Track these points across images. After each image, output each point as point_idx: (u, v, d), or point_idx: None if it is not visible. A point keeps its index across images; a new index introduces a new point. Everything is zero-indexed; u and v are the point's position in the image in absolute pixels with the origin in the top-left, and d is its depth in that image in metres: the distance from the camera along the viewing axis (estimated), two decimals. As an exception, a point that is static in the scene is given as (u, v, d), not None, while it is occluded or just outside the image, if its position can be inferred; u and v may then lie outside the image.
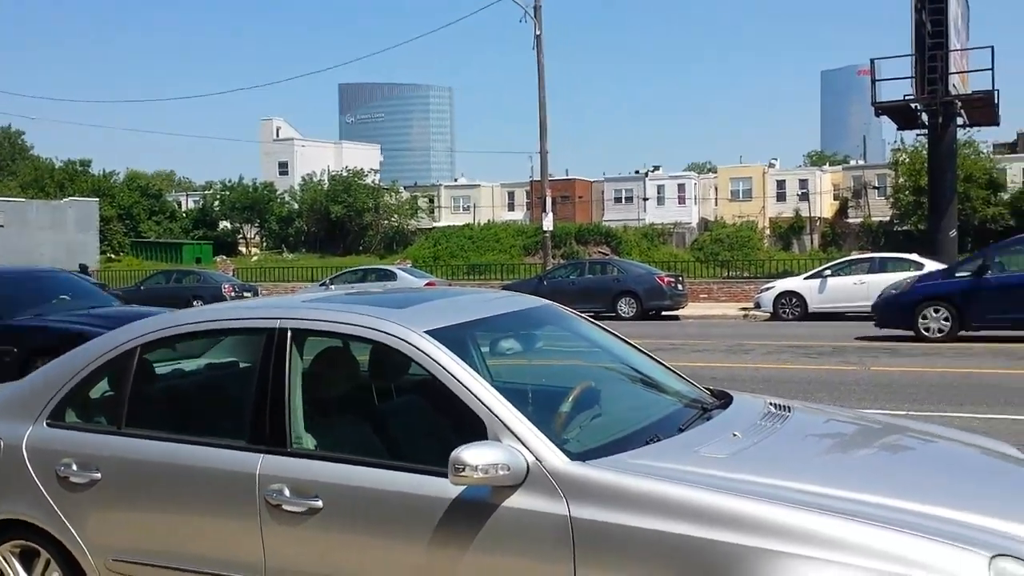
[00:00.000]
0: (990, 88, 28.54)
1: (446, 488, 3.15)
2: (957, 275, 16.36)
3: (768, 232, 66.89)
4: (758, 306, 24.34)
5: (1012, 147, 69.31)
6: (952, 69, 27.80)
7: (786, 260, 43.39)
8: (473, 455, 3.03)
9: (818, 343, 16.01)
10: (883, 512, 2.82)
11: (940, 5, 27.20)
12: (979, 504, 2.98)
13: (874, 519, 2.77)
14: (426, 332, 3.53)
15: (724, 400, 4.13)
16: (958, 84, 28.54)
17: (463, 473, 3.02)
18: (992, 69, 28.31)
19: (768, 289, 24.18)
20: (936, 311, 15.93)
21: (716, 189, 73.91)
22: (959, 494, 3.10)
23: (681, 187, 73.65)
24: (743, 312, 25.24)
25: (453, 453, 3.04)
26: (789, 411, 3.99)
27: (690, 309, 25.76)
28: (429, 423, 3.76)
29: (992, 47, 28.61)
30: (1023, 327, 15.56)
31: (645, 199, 73.19)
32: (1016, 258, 16.41)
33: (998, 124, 32.77)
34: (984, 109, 29.79)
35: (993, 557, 2.63)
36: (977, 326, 15.88)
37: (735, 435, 3.49)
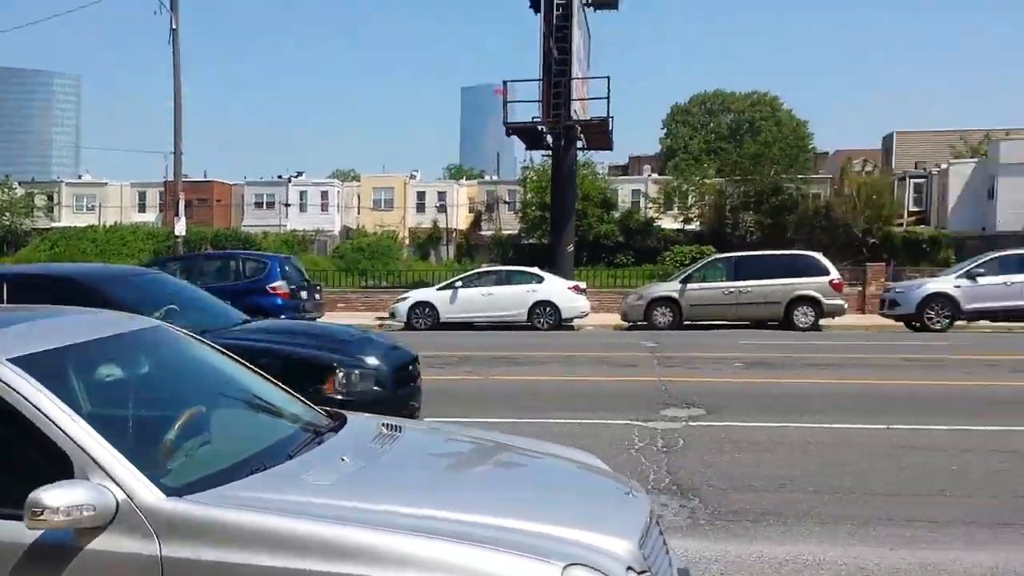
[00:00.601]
0: (606, 115, 31.28)
1: (23, 533, 2.89)
2: None
3: (408, 242, 68.66)
4: (393, 316, 24.89)
5: (624, 170, 76.64)
6: (574, 96, 30.10)
7: (423, 270, 44.65)
8: (52, 496, 2.81)
9: (446, 353, 16.66)
10: (474, 530, 2.96)
11: (565, 34, 29.32)
12: (564, 516, 3.22)
13: (463, 537, 2.90)
14: (9, 360, 3.22)
15: (338, 422, 4.13)
16: (579, 110, 30.94)
17: (40, 516, 2.79)
18: (608, 98, 30.87)
19: (403, 300, 24.82)
20: None
21: (359, 197, 74.55)
22: (548, 508, 3.33)
23: (324, 194, 73.51)
24: (379, 322, 25.57)
25: (30, 495, 2.81)
26: (400, 431, 4.09)
27: (327, 318, 25.64)
28: (10, 461, 3.42)
29: (608, 77, 31.29)
30: None
31: (287, 205, 72.17)
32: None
33: (611, 149, 36.16)
34: (600, 135, 32.56)
35: (567, 566, 2.86)
36: None
37: (343, 460, 3.52)
